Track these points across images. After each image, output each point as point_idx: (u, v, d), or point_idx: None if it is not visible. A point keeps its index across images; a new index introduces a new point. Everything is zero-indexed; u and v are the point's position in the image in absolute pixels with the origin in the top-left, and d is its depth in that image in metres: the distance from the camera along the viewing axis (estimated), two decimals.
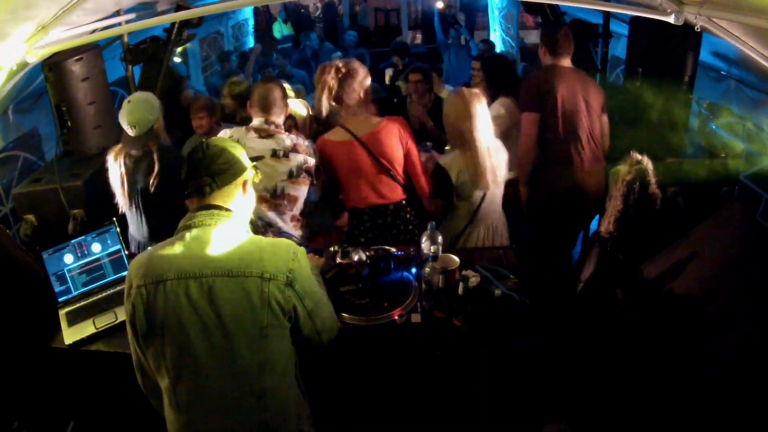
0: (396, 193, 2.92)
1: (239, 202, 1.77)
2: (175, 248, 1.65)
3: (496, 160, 2.87)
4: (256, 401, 1.63)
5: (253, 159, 1.84)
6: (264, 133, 2.69)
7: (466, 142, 2.82)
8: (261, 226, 2.67)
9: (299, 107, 4.07)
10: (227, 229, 1.68)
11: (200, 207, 1.70)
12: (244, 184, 1.77)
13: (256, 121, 2.74)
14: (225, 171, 1.71)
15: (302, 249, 1.75)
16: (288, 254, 1.68)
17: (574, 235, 3.78)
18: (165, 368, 1.62)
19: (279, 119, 2.76)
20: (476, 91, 2.86)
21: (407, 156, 2.88)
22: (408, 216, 2.96)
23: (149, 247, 1.75)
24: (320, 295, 1.82)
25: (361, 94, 2.81)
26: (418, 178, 2.93)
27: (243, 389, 1.62)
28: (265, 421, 1.65)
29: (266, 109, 2.72)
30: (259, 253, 1.65)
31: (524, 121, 3.30)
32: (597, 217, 3.63)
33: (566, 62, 3.38)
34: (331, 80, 2.75)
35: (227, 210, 1.71)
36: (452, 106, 2.85)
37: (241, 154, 1.77)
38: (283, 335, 1.68)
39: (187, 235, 1.66)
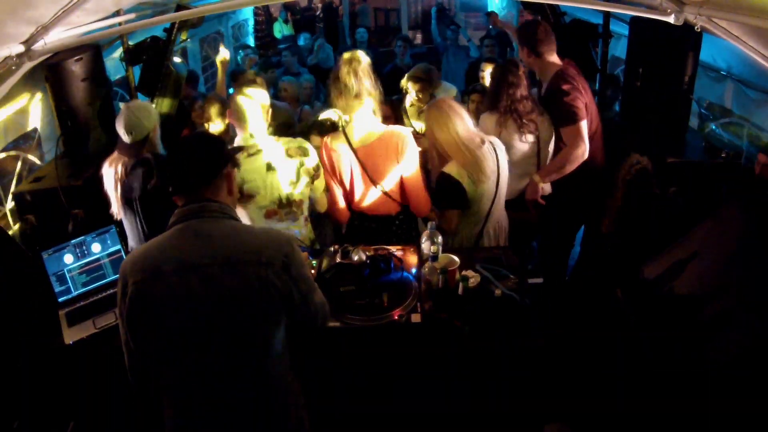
0: (388, 207, 2.81)
1: (227, 194, 1.77)
2: (170, 241, 1.65)
3: (493, 157, 2.78)
4: (256, 388, 1.66)
5: (232, 150, 1.85)
6: (253, 150, 2.63)
7: (457, 149, 2.70)
8: None
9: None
10: (220, 220, 1.69)
11: (189, 201, 1.70)
12: (229, 176, 1.77)
13: (240, 139, 2.67)
14: (210, 164, 1.71)
15: (293, 235, 1.75)
16: (282, 239, 1.72)
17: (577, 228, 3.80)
18: (165, 365, 1.64)
19: (262, 127, 2.67)
20: (444, 97, 2.85)
21: (404, 172, 2.70)
22: (399, 223, 2.88)
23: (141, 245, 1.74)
24: (312, 280, 1.86)
25: (370, 89, 2.64)
26: (416, 197, 2.78)
27: (245, 377, 1.64)
28: (266, 409, 1.69)
29: (245, 122, 2.63)
30: (255, 239, 1.68)
31: (580, 130, 3.16)
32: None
33: (555, 59, 3.33)
34: (346, 75, 2.60)
35: (216, 202, 1.71)
36: (430, 120, 2.74)
37: (222, 146, 1.79)
38: (280, 321, 1.70)
39: (181, 229, 1.66)
